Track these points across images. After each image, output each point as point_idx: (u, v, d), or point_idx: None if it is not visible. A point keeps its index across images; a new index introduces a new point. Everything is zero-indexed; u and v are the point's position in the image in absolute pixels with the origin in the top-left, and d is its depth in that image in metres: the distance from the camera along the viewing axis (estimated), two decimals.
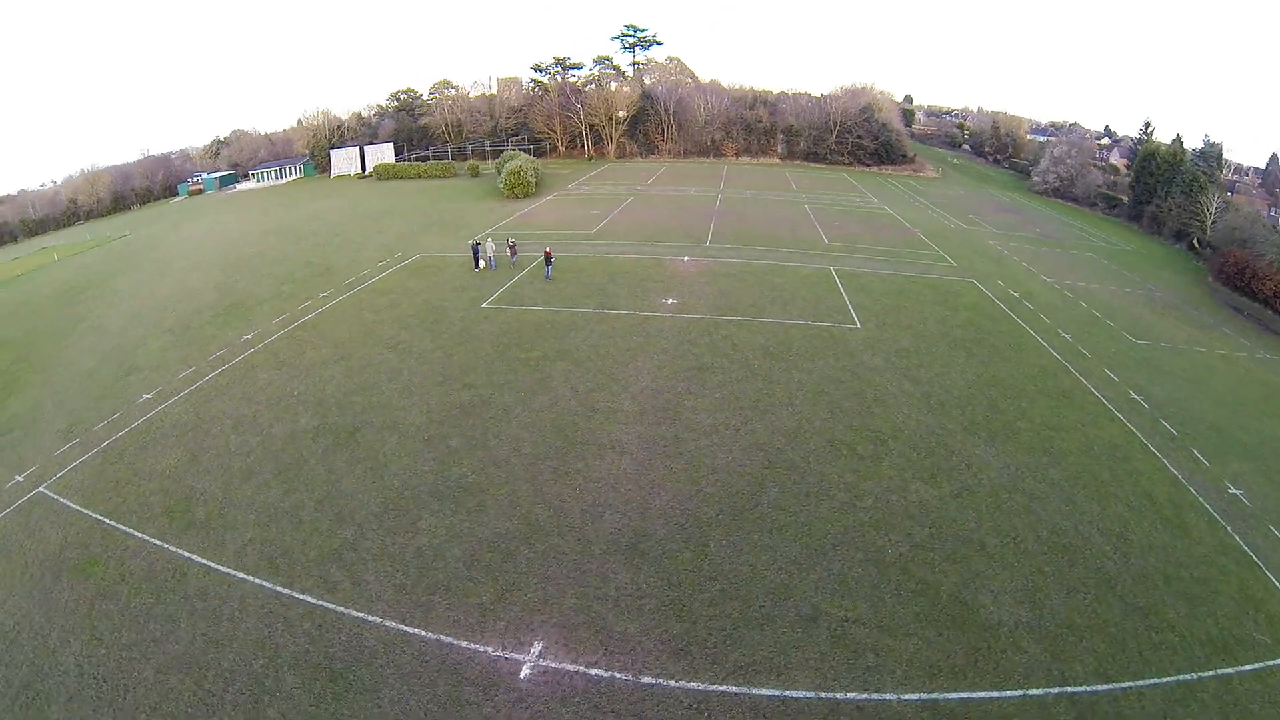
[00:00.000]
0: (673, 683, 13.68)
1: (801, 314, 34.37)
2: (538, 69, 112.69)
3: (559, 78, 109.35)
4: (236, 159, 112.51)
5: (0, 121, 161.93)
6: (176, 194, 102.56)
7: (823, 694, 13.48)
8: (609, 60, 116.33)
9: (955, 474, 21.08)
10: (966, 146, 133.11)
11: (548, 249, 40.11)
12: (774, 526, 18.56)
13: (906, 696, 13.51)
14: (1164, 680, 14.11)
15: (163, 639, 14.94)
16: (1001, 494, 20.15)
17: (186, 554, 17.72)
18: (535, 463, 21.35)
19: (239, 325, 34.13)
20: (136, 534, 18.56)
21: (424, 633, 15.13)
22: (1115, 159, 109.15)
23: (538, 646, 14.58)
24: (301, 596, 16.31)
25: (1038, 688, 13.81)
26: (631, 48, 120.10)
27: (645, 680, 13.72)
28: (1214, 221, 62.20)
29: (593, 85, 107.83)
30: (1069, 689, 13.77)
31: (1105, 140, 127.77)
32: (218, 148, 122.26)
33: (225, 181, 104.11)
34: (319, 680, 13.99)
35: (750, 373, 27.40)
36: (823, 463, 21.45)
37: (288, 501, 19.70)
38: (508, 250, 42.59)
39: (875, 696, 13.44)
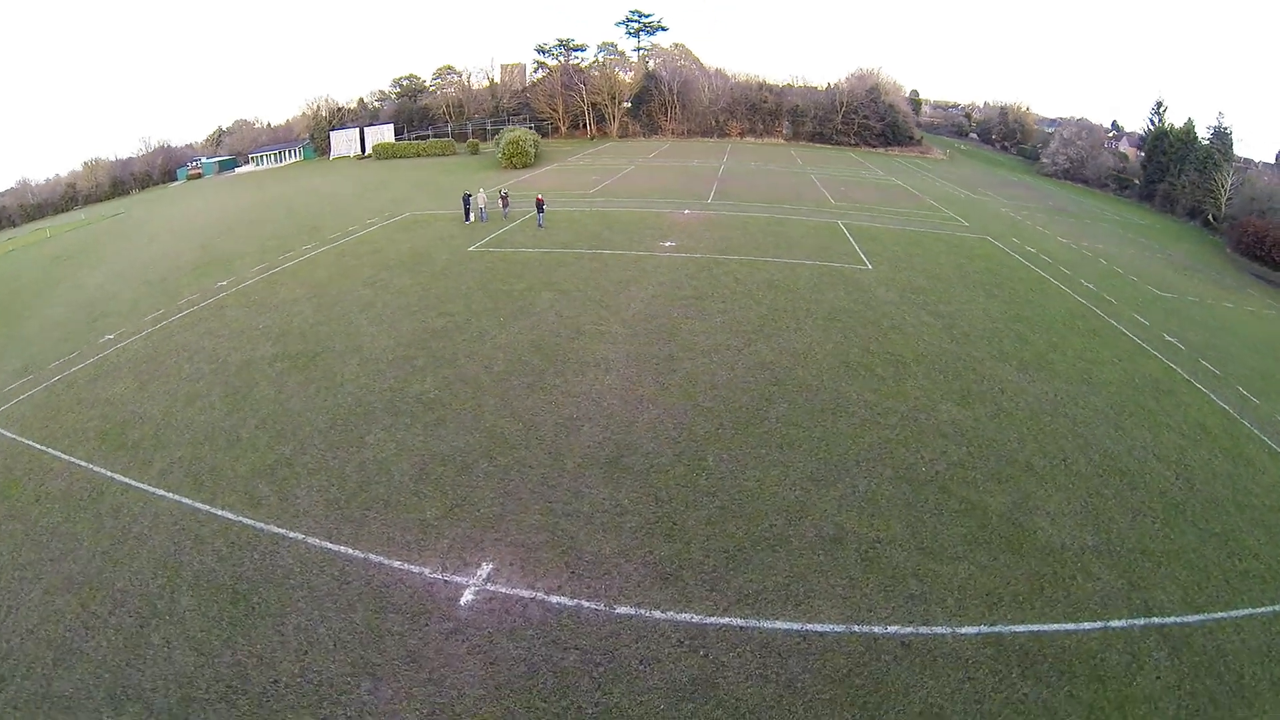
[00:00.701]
0: (658, 613, 10.89)
1: (808, 256, 31.72)
2: (541, 49, 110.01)
3: (562, 58, 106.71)
4: (238, 147, 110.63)
5: (7, 117, 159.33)
6: (175, 179, 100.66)
7: (856, 627, 10.69)
8: (613, 46, 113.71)
9: (988, 397, 18.49)
10: (974, 135, 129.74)
11: (539, 196, 37.47)
12: (784, 441, 15.88)
13: (964, 630, 10.74)
14: (1260, 610, 11.71)
15: (61, 558, 13.03)
16: (1042, 417, 17.61)
17: (109, 473, 15.66)
18: (506, 379, 18.78)
19: (216, 275, 31.92)
20: (64, 457, 16.59)
21: (350, 550, 12.58)
22: (1124, 147, 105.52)
23: (486, 568, 11.91)
24: (220, 512, 13.93)
25: (1119, 619, 11.17)
26: (636, 33, 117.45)
27: (621, 610, 10.94)
28: (1229, 199, 60.59)
29: (596, 72, 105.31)
30: (1155, 620, 11.20)
31: (1113, 134, 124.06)
32: (220, 137, 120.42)
33: (224, 166, 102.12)
34: (218, 603, 11.51)
35: (754, 301, 24.75)
36: (837, 381, 18.78)
37: (228, 421, 17.41)
38: (499, 201, 40.06)
39: (924, 630, 10.67)
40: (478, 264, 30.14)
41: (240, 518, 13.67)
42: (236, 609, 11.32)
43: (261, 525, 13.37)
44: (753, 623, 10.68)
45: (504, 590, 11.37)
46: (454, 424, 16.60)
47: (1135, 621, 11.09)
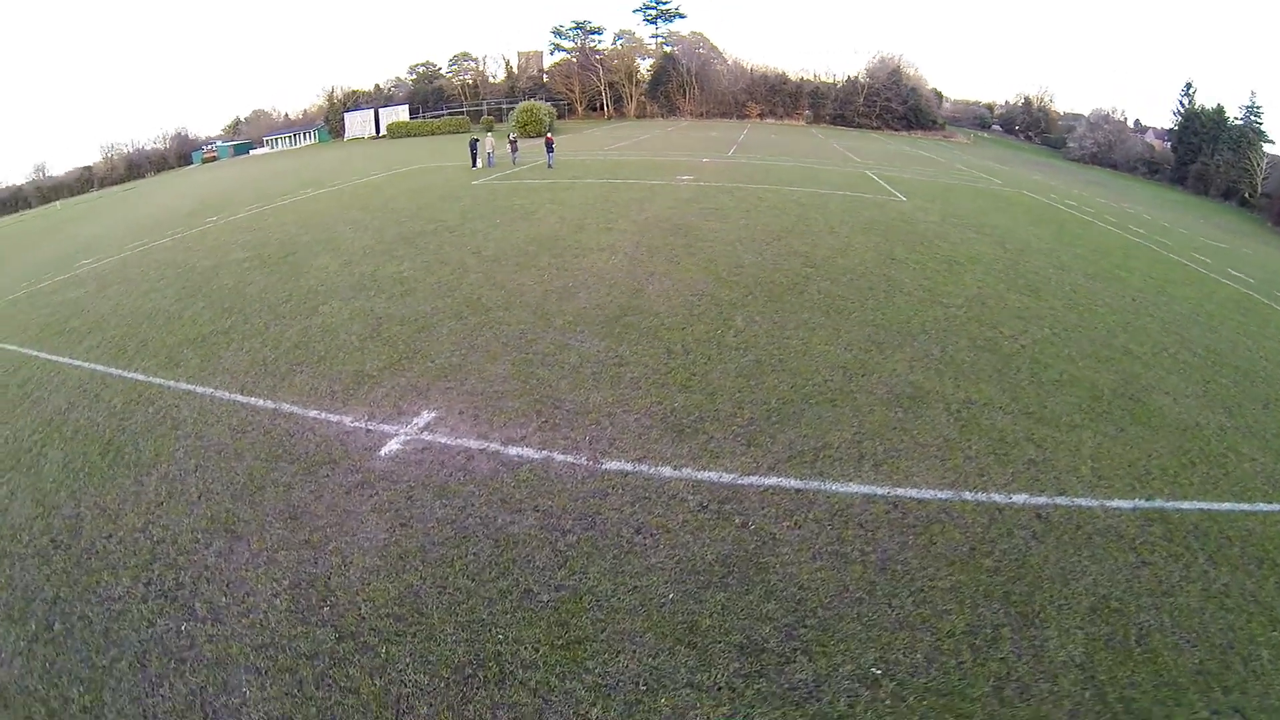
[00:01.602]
0: (667, 470, 7.86)
1: (837, 188, 28.88)
2: (557, 32, 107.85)
3: (579, 41, 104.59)
4: (255, 135, 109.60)
5: (30, 111, 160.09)
6: (190, 162, 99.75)
7: (967, 494, 7.70)
8: (631, 34, 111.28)
9: (1060, 293, 15.66)
10: (997, 126, 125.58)
11: (549, 135, 34.90)
12: (830, 309, 13.14)
13: (1114, 503, 7.75)
14: None
15: None
16: (1125, 314, 14.87)
17: (35, 353, 13.33)
18: (496, 261, 16.14)
19: (209, 216, 29.53)
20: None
21: (261, 402, 9.96)
22: (1151, 139, 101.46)
23: (426, 416, 9.13)
24: (130, 374, 11.46)
25: None
26: (654, 20, 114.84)
27: (612, 466, 7.98)
28: (1265, 177, 59.20)
29: (615, 60, 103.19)
30: None
31: (1135, 130, 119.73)
32: (237, 126, 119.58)
33: (239, 149, 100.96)
34: (85, 455, 8.97)
35: (781, 213, 21.98)
36: (885, 269, 16.01)
37: (176, 307, 14.94)
38: (509, 147, 37.44)
39: (1061, 500, 7.70)
40: (480, 191, 27.59)
41: (151, 378, 11.18)
42: (103, 460, 8.74)
43: (171, 384, 10.85)
44: (815, 484, 7.68)
45: (442, 440, 8.55)
46: (424, 294, 13.99)
47: None
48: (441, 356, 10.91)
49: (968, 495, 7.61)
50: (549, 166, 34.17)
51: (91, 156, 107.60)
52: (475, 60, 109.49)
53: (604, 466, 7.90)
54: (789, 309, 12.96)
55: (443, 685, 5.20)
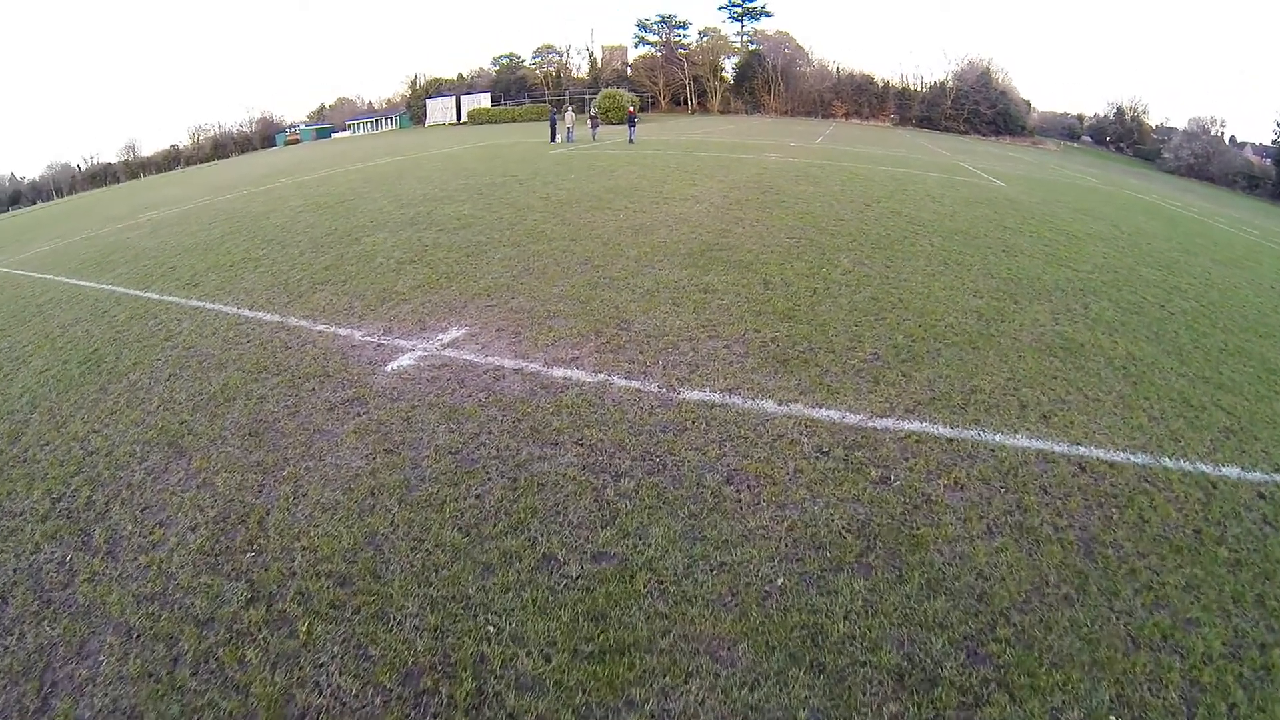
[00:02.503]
0: (770, 404, 5.87)
1: (931, 170, 26.27)
2: (642, 25, 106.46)
3: (664, 34, 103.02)
4: (337, 120, 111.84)
5: (124, 91, 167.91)
6: (274, 144, 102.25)
7: (1168, 461, 5.47)
8: (716, 31, 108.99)
9: (1193, 272, 13.11)
10: (1087, 137, 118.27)
11: (631, 108, 33.06)
12: (947, 260, 10.95)
13: None
14: None
15: None
16: (1269, 295, 12.33)
17: (67, 280, 12.34)
18: (568, 206, 14.35)
19: (280, 178, 28.97)
20: (42, 276, 13.46)
21: (267, 316, 8.43)
22: (1249, 155, 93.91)
23: (454, 332, 7.37)
24: (145, 293, 10.22)
25: None
26: (739, 18, 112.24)
27: (692, 395, 5.99)
28: None
29: (700, 55, 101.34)
30: None
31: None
32: (321, 112, 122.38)
33: (321, 134, 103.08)
34: (65, 363, 7.77)
35: (874, 184, 19.65)
36: (999, 234, 13.67)
37: (218, 242, 13.78)
38: (590, 123, 35.89)
39: None
40: (557, 156, 26.04)
41: (165, 296, 9.89)
42: (79, 369, 7.43)
43: (182, 301, 9.49)
44: (971, 433, 5.60)
45: (468, 357, 6.72)
46: (482, 227, 12.37)
47: None
48: (488, 277, 9.22)
49: (1169, 462, 5.41)
50: (630, 142, 32.41)
51: (180, 138, 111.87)
52: (559, 52, 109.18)
53: (681, 395, 5.88)
54: (901, 257, 10.81)
55: (377, 702, 3.22)
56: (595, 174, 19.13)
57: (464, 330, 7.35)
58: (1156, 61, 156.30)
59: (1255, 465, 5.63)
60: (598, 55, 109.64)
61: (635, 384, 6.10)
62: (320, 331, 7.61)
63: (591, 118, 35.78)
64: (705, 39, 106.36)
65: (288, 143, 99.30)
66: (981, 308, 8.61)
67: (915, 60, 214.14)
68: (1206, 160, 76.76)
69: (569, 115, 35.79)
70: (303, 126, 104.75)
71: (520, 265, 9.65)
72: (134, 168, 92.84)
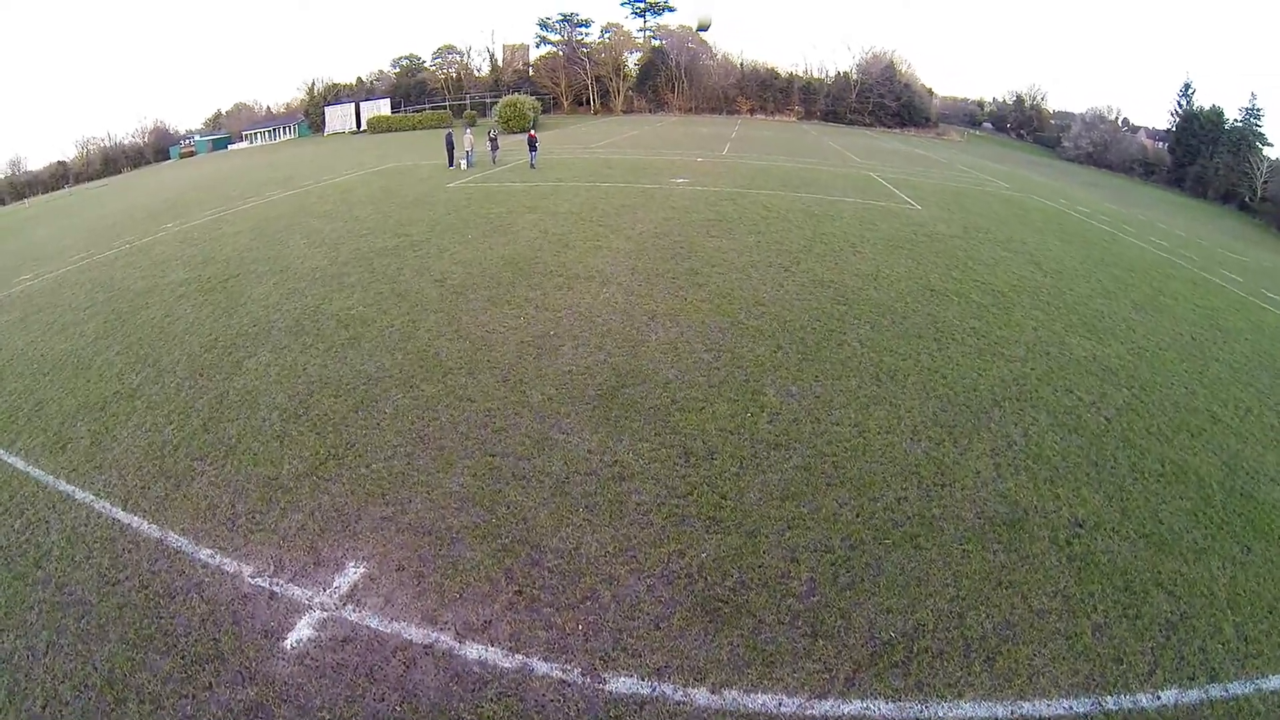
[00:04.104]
0: (702, 694, 5.38)
1: (846, 194, 26.61)
2: (544, 24, 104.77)
3: (566, 33, 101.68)
4: (235, 129, 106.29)
5: (5, 105, 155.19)
6: (168, 157, 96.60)
7: (1110, 701, 5.41)
8: (619, 28, 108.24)
9: (1119, 333, 13.67)
10: (988, 124, 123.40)
11: (532, 132, 32.42)
12: (881, 372, 10.84)
13: (1270, 683, 5.63)
14: None
15: None
16: (1192, 360, 12.87)
17: None
18: (461, 294, 13.79)
19: (166, 221, 26.93)
20: None
21: (144, 525, 7.55)
22: (1143, 139, 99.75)
23: (351, 573, 6.63)
24: (9, 459, 9.17)
25: None
26: (642, 13, 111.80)
27: (622, 686, 5.46)
28: (1265, 181, 58.13)
29: (603, 53, 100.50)
30: None
31: (1126, 129, 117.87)
32: (218, 119, 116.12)
33: (218, 144, 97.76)
34: None
35: (792, 225, 19.74)
36: (925, 304, 13.83)
37: (90, 349, 12.65)
38: (489, 144, 34.89)
39: (1215, 690, 5.54)
40: (454, 195, 25.13)
41: (30, 467, 8.86)
42: None
43: (50, 481, 8.49)
44: (914, 709, 5.30)
45: (372, 623, 6.04)
46: (371, 344, 11.61)
47: None
48: (380, 458, 8.44)
49: (1110, 703, 5.35)
50: (531, 167, 31.73)
51: (68, 151, 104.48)
52: (460, 53, 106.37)
53: (609, 687, 5.42)
54: (830, 373, 10.65)
55: None
56: (494, 231, 18.49)
57: (362, 569, 6.65)
58: (1053, 45, 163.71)
59: (1192, 677, 5.75)
60: (499, 56, 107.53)
61: (557, 671, 5.56)
62: (205, 564, 6.81)
63: (491, 139, 34.66)
64: (608, 35, 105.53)
65: (182, 155, 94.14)
66: (920, 462, 8.49)
67: (819, 52, 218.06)
68: (1105, 149, 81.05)
69: (467, 137, 34.76)
70: (198, 137, 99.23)
71: (414, 432, 8.96)
72: (19, 187, 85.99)
